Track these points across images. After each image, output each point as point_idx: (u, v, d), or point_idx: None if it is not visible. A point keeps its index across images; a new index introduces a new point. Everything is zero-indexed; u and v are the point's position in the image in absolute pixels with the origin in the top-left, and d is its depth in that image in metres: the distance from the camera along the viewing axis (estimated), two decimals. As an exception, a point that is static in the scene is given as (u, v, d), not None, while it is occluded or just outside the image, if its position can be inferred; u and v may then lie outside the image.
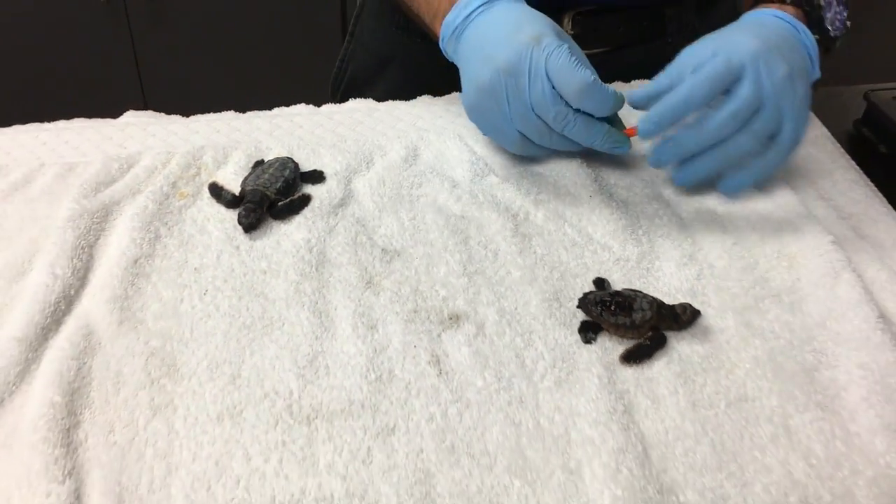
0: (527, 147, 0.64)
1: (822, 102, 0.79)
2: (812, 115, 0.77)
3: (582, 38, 0.82)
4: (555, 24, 0.63)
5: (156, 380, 0.49)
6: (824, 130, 0.75)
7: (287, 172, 0.62)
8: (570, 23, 0.82)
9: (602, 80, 0.60)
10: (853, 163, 0.71)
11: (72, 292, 0.54)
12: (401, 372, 0.50)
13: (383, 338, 0.52)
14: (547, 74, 0.60)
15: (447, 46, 0.68)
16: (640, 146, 0.68)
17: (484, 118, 0.65)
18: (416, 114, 0.73)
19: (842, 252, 0.58)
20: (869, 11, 1.99)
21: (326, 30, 1.86)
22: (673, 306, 0.53)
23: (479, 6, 0.65)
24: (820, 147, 0.73)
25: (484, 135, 0.67)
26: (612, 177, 0.67)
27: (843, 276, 0.56)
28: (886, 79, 0.80)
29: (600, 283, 0.56)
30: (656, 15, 0.85)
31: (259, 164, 0.64)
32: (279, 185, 0.61)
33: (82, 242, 0.57)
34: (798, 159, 0.70)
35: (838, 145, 0.73)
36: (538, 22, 0.62)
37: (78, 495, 0.43)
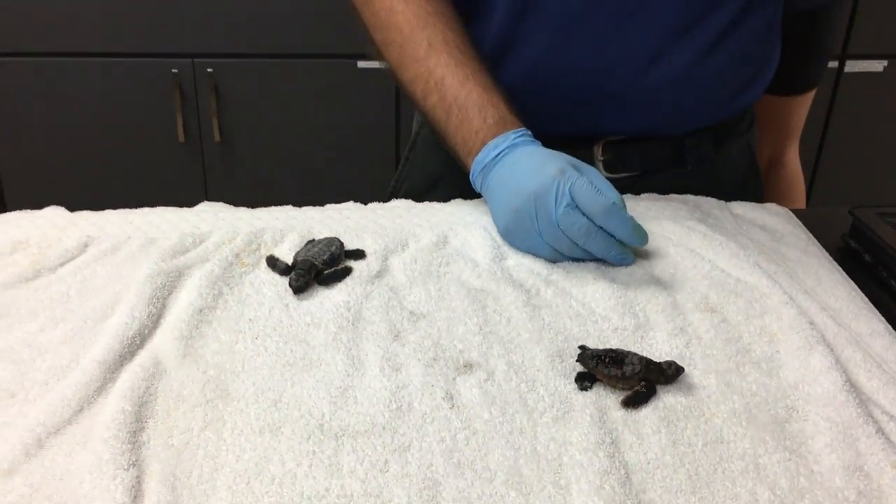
0: (558, 256, 0.75)
1: (814, 220, 0.88)
2: (802, 227, 0.86)
3: (610, 163, 0.94)
4: (573, 159, 0.76)
5: (210, 400, 0.58)
6: (813, 240, 0.84)
7: (333, 248, 0.73)
8: (601, 150, 0.94)
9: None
10: (837, 266, 0.79)
11: (146, 331, 0.64)
12: (419, 404, 0.58)
13: (405, 377, 0.60)
14: (572, 197, 0.71)
15: (476, 180, 0.81)
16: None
17: (518, 238, 0.76)
18: (448, 211, 0.84)
19: (817, 330, 0.66)
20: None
21: (381, 155, 2.04)
22: (660, 363, 0.61)
23: (505, 148, 0.78)
24: (809, 253, 0.81)
25: (519, 251, 0.77)
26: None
27: (817, 349, 0.64)
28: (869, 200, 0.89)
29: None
30: (677, 146, 0.96)
31: (310, 241, 0.75)
32: (326, 257, 0.71)
33: (158, 294, 0.68)
34: (788, 262, 0.79)
35: (825, 252, 0.81)
36: (559, 159, 0.75)
37: (139, 481, 0.51)
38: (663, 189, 0.93)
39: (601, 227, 0.72)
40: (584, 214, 0.72)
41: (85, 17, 1.85)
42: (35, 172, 1.98)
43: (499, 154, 0.78)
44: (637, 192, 0.91)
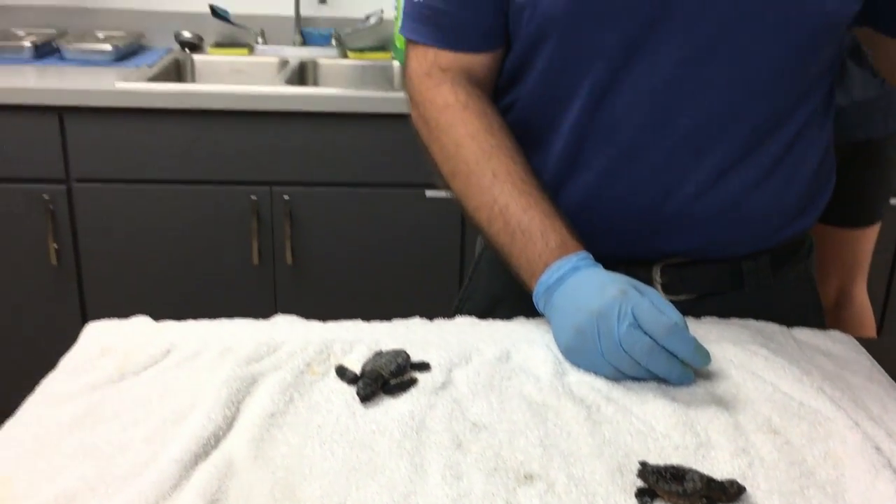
0: (619, 376, 0.77)
1: (880, 349, 0.88)
2: (867, 354, 0.86)
3: (669, 286, 0.96)
4: (634, 281, 0.79)
5: (278, 501, 0.60)
6: (879, 367, 0.83)
7: (400, 359, 0.76)
8: (660, 273, 0.96)
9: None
10: (904, 393, 0.78)
11: (220, 433, 0.67)
12: (479, 512, 0.59)
13: (467, 486, 0.61)
14: (634, 317, 0.74)
15: (539, 301, 0.84)
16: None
17: (580, 356, 0.79)
18: (511, 328, 0.87)
19: (883, 455, 0.65)
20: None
21: (446, 277, 2.08)
22: (722, 481, 0.61)
23: (568, 270, 0.82)
24: (874, 381, 0.80)
25: (581, 370, 0.79)
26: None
27: (883, 474, 0.63)
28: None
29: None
30: (735, 269, 0.98)
31: (378, 353, 0.78)
32: (392, 367, 0.74)
33: (233, 399, 0.71)
34: (852, 388, 0.78)
35: (892, 380, 0.81)
36: (621, 281, 0.78)
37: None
38: (722, 312, 0.94)
39: (663, 347, 0.74)
40: (646, 334, 0.74)
41: (177, 147, 1.99)
42: (119, 290, 2.08)
43: (562, 276, 0.82)
44: (696, 315, 0.92)
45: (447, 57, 0.95)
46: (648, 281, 0.94)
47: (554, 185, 0.93)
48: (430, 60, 0.96)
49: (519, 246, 0.86)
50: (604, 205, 0.93)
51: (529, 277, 0.85)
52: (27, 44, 2.16)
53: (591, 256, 0.84)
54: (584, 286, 0.79)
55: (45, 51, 2.20)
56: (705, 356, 0.76)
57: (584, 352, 0.78)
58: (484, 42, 0.95)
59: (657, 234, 0.94)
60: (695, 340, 0.75)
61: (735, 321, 0.91)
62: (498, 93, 0.99)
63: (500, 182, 0.88)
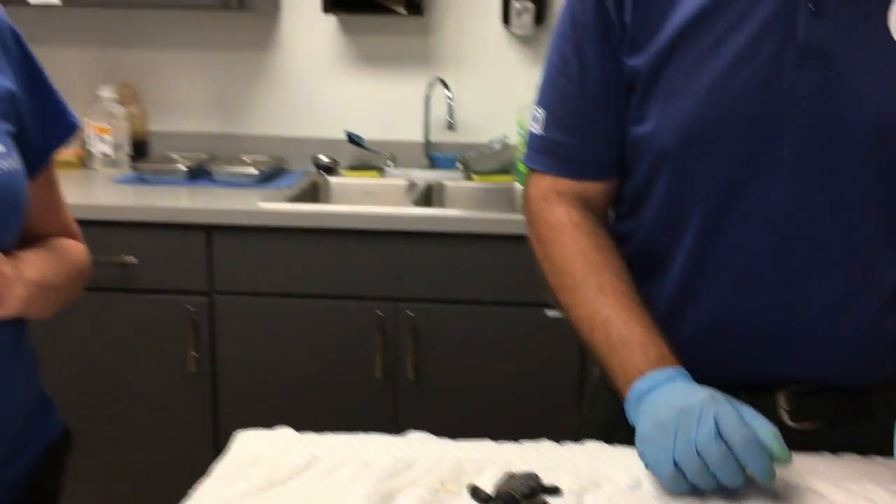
0: (677, 482, 0.77)
1: None
2: None
3: (795, 414, 0.95)
4: (729, 398, 0.80)
5: None
6: None
7: (531, 482, 0.78)
8: (784, 399, 0.95)
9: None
10: None
11: (361, 545, 0.70)
12: None
13: None
14: (716, 422, 0.74)
15: (629, 406, 0.86)
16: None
17: (650, 448, 0.80)
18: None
19: None
20: None
21: (565, 395, 2.07)
22: None
23: (664, 379, 0.84)
24: None
25: (644, 465, 0.80)
26: None
27: None
28: None
29: None
30: (864, 398, 0.95)
31: (510, 475, 0.80)
32: (525, 490, 0.76)
33: (372, 512, 0.75)
34: None
35: None
36: (713, 390, 0.80)
37: None
38: (852, 442, 0.91)
39: (737, 458, 0.74)
40: (724, 441, 0.74)
41: (311, 263, 2.11)
42: (250, 398, 2.17)
43: (656, 384, 0.84)
44: (822, 445, 0.90)
45: (564, 183, 1.01)
46: (773, 408, 0.93)
47: (671, 312, 0.96)
48: (547, 185, 1.02)
49: (618, 356, 0.88)
50: (724, 331, 0.94)
51: (624, 385, 0.87)
52: (182, 167, 2.36)
53: (688, 374, 0.85)
54: (676, 391, 0.81)
55: (198, 173, 2.40)
56: (773, 475, 0.75)
57: (656, 445, 0.78)
58: (600, 172, 1.00)
59: (780, 360, 0.94)
60: (769, 457, 0.74)
61: (877, 459, 0.88)
62: (619, 220, 1.03)
63: (604, 295, 0.92)
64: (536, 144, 1.02)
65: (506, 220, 2.07)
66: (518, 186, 2.44)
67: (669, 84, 0.91)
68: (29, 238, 0.92)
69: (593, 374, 1.14)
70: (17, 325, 0.90)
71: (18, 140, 0.87)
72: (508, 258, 2.07)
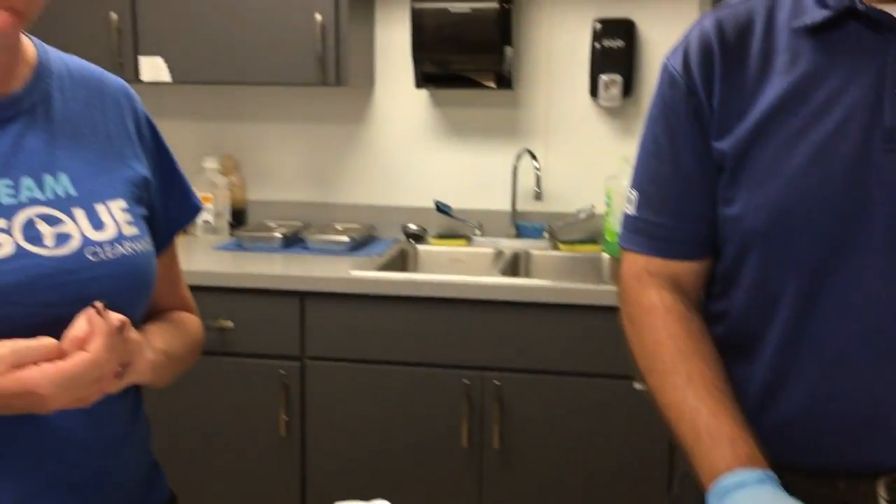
0: None
1: None
2: None
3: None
4: None
5: None
6: None
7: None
8: (884, 488, 0.92)
9: None
10: None
11: None
12: None
13: None
14: None
15: (712, 500, 0.84)
16: None
17: None
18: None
19: None
20: None
21: (653, 470, 2.02)
22: None
23: (753, 480, 0.82)
24: None
25: None
26: None
27: None
28: None
29: None
30: None
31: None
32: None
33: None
34: None
35: None
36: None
37: None
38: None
39: None
40: None
41: (400, 331, 2.15)
42: (338, 462, 2.20)
43: (743, 482, 0.82)
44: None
45: (657, 263, 1.01)
46: (872, 496, 0.90)
47: (763, 396, 0.94)
48: (640, 265, 1.03)
49: (704, 447, 0.87)
50: (816, 416, 0.92)
51: (709, 478, 0.85)
52: (278, 235, 2.46)
53: (776, 479, 0.83)
54: (764, 495, 0.80)
55: (292, 241, 2.48)
56: None
57: None
58: (691, 252, 1.00)
59: (877, 447, 0.91)
60: None
61: None
62: (711, 300, 1.03)
63: (693, 385, 0.92)
64: (630, 225, 1.03)
65: (592, 290, 2.07)
66: (605, 256, 2.44)
67: (756, 167, 0.91)
68: (152, 311, 0.97)
69: (682, 461, 1.12)
70: (137, 393, 0.95)
71: (149, 221, 0.93)
72: (595, 329, 2.06)
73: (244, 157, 2.71)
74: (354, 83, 2.42)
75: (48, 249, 0.80)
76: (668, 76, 0.99)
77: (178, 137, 2.81)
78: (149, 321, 0.96)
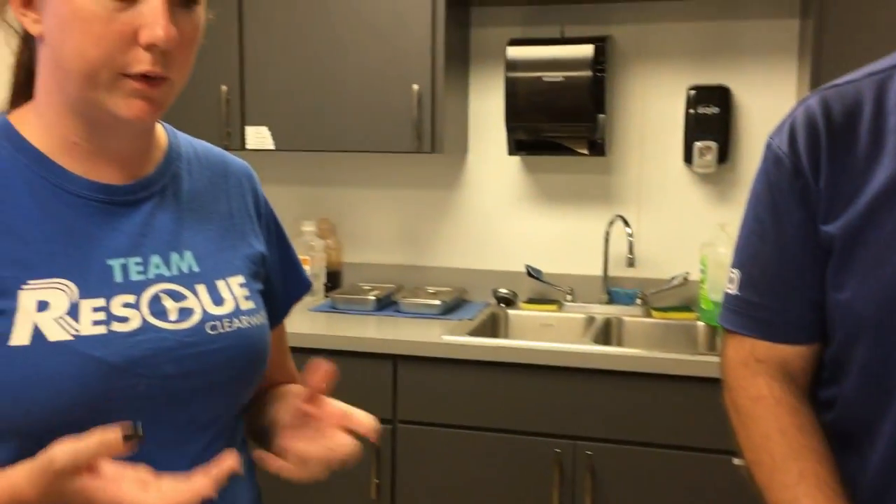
0: None
1: None
2: None
3: None
4: None
5: None
6: None
7: None
8: None
9: None
10: None
11: None
12: None
13: None
14: None
15: None
16: None
17: None
18: None
19: None
20: None
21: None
22: None
23: None
24: None
25: None
26: None
27: None
28: None
29: None
30: None
31: None
32: None
33: None
34: None
35: None
36: None
37: None
38: None
39: None
40: None
41: (490, 397, 2.15)
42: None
43: None
44: None
45: (763, 348, 0.99)
46: None
47: (875, 490, 0.91)
48: (746, 350, 1.00)
49: None
50: None
51: None
52: (371, 297, 2.51)
53: None
54: None
55: (385, 303, 2.53)
56: None
57: None
58: (797, 335, 0.98)
59: None
60: None
61: None
62: (819, 386, 1.00)
63: (805, 484, 0.89)
64: (731, 304, 1.02)
65: (688, 360, 2.02)
66: (700, 324, 2.40)
67: (868, 253, 0.89)
68: (264, 385, 1.00)
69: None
70: (249, 457, 0.98)
71: (264, 296, 0.97)
72: (691, 401, 2.01)
73: (340, 220, 2.79)
74: (449, 150, 2.47)
75: (171, 324, 0.84)
76: (772, 155, 0.98)
77: (278, 201, 2.89)
78: (260, 394, 0.99)
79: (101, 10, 0.76)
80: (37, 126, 0.85)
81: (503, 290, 2.59)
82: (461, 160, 2.69)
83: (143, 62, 0.78)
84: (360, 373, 2.22)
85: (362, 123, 2.43)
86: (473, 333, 2.28)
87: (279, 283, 1.02)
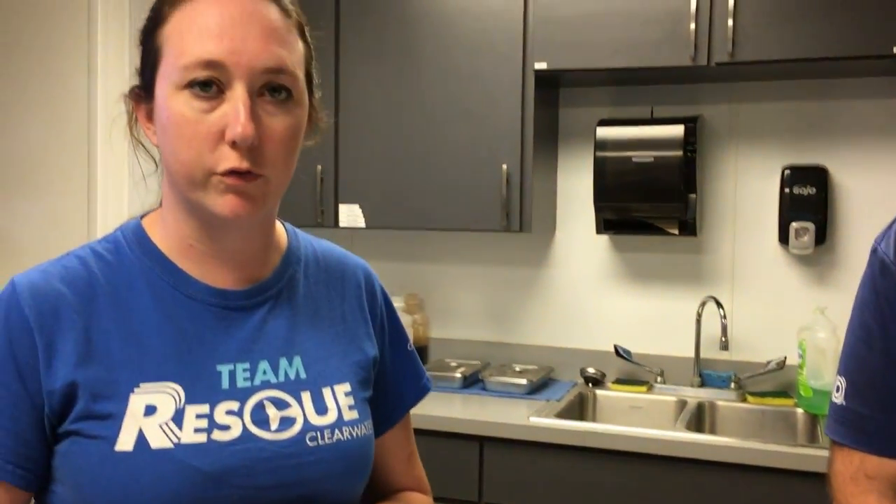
0: None
1: None
2: None
3: None
4: None
5: None
6: None
7: None
8: None
9: None
10: None
11: None
12: None
13: None
14: None
15: None
16: None
17: None
18: None
19: None
20: None
21: None
22: None
23: None
24: None
25: None
26: None
27: None
28: None
29: None
30: None
31: None
32: None
33: None
34: None
35: None
36: None
37: None
38: None
39: None
40: None
41: (577, 482, 2.10)
42: None
43: None
44: None
45: (873, 463, 0.94)
46: None
47: None
48: (855, 465, 0.96)
49: None
50: None
51: None
52: (458, 375, 2.50)
53: None
54: None
55: (471, 381, 2.52)
56: None
57: None
58: None
59: None
60: None
61: None
62: None
63: None
64: (837, 415, 0.98)
65: (786, 453, 1.94)
66: (798, 411, 2.30)
67: None
68: (385, 489, 0.99)
69: None
70: None
71: (376, 399, 0.95)
72: (787, 494, 1.92)
73: (429, 295, 2.81)
74: (537, 228, 2.48)
75: (271, 433, 0.84)
76: (878, 261, 0.95)
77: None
78: (379, 502, 0.98)
79: (191, 113, 0.80)
80: (161, 229, 0.89)
81: (591, 370, 2.55)
82: (549, 238, 2.69)
83: (229, 159, 0.79)
84: (446, 453, 2.21)
85: (451, 202, 2.46)
86: (561, 415, 2.24)
87: (395, 384, 1.00)
